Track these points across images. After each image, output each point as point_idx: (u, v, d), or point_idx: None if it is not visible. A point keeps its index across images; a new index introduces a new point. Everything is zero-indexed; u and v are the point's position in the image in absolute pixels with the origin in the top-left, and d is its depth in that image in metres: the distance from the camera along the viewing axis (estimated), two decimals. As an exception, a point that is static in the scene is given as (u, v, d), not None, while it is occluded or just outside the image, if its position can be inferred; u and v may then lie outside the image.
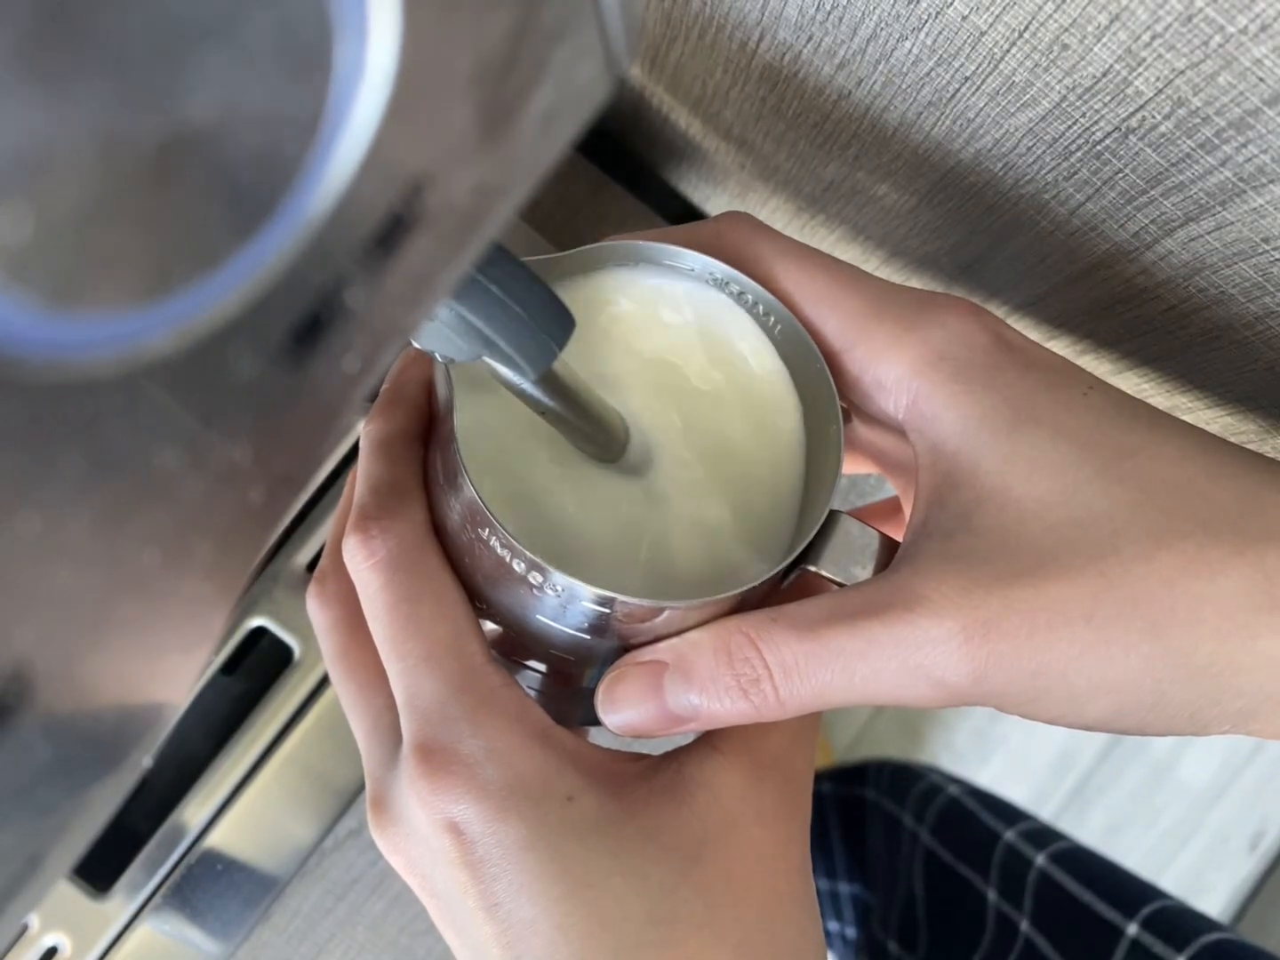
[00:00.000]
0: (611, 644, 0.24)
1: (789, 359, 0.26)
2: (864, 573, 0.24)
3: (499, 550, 0.22)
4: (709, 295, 0.26)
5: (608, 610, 0.22)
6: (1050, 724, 0.21)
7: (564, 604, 0.23)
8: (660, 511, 0.25)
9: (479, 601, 0.25)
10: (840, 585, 0.24)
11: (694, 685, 0.22)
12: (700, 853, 0.22)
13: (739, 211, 0.26)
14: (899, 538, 0.24)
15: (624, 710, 0.23)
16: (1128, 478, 0.21)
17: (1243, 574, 0.19)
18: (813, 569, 0.24)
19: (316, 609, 0.27)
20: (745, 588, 0.22)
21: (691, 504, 0.25)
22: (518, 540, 0.21)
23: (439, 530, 0.25)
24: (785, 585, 0.25)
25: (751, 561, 0.25)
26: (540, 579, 0.22)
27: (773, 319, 0.25)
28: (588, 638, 0.24)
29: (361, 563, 0.24)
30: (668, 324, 0.26)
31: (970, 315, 0.23)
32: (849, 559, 0.24)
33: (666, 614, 0.22)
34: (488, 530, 0.22)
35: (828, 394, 0.25)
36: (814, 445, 0.26)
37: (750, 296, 0.25)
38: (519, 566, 0.22)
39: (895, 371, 0.23)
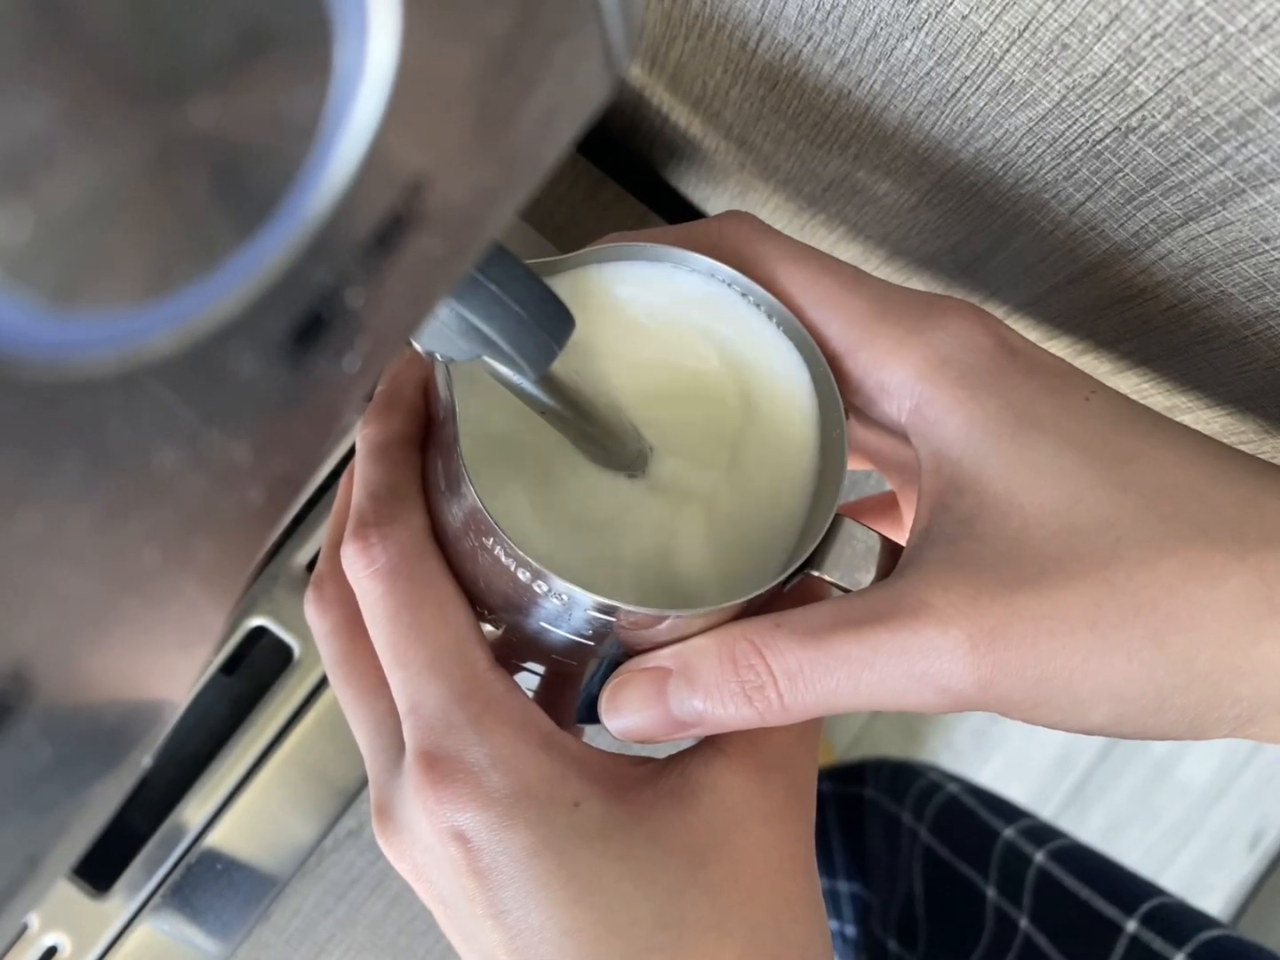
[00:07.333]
0: (614, 649, 0.24)
1: None
2: (867, 577, 0.24)
3: (503, 558, 0.22)
4: (721, 294, 0.25)
5: (612, 618, 0.22)
6: (1052, 729, 0.21)
7: (567, 611, 0.22)
8: (666, 516, 0.24)
9: (479, 607, 0.24)
10: (843, 590, 0.24)
11: (698, 691, 0.22)
12: (707, 855, 0.22)
13: (740, 211, 0.26)
14: (894, 533, 0.24)
15: (628, 715, 0.23)
16: (1129, 484, 0.21)
17: (1243, 580, 0.19)
18: (816, 574, 0.24)
19: (315, 615, 0.27)
20: (749, 596, 0.22)
21: (698, 509, 0.25)
22: (522, 549, 0.21)
23: (438, 535, 0.24)
24: (787, 589, 0.25)
25: (756, 567, 0.24)
26: (544, 587, 0.22)
27: (775, 321, 0.25)
28: (590, 643, 0.24)
29: (361, 570, 0.23)
30: (675, 324, 0.26)
31: (974, 318, 0.23)
32: (852, 564, 0.24)
33: (670, 621, 0.22)
34: (491, 539, 0.22)
35: (831, 397, 0.24)
36: (818, 449, 0.26)
37: (752, 298, 0.25)
38: (523, 575, 0.22)
39: (899, 376, 0.23)
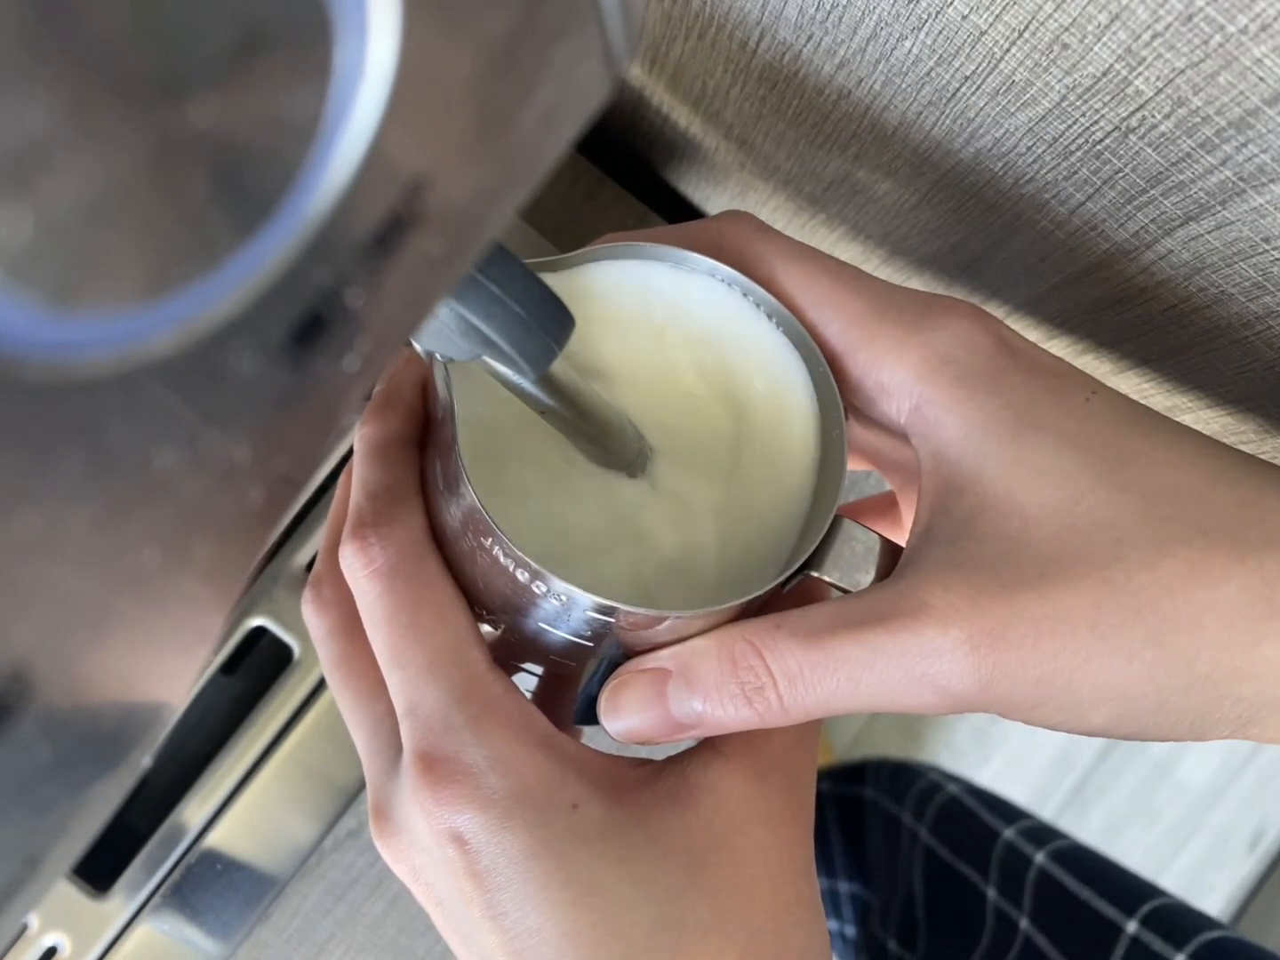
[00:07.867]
0: (613, 649, 0.24)
1: None
2: (867, 578, 0.23)
3: (502, 559, 0.22)
4: (721, 295, 0.25)
5: (610, 619, 0.22)
6: (1051, 729, 0.21)
7: (566, 612, 0.22)
8: (666, 517, 0.24)
9: (477, 607, 0.24)
10: (843, 591, 0.24)
11: (698, 692, 0.22)
12: (706, 857, 0.22)
13: (740, 211, 0.26)
14: (893, 534, 0.24)
15: (627, 717, 0.23)
16: (1130, 485, 0.21)
17: (1244, 581, 0.19)
18: (816, 574, 0.24)
19: (313, 615, 0.26)
20: (749, 596, 0.22)
21: (698, 510, 0.25)
22: (521, 550, 0.21)
23: (437, 535, 0.24)
24: (787, 590, 0.25)
25: (755, 568, 0.24)
26: (544, 588, 0.22)
27: (775, 321, 0.25)
28: (589, 644, 0.24)
29: (359, 571, 0.23)
30: (674, 324, 0.25)
31: (973, 318, 0.23)
32: (852, 565, 0.23)
33: (670, 622, 0.22)
34: (490, 539, 0.22)
35: (831, 397, 0.24)
36: (818, 449, 0.26)
37: (752, 298, 0.25)
38: (522, 576, 0.22)
39: (899, 376, 0.23)
